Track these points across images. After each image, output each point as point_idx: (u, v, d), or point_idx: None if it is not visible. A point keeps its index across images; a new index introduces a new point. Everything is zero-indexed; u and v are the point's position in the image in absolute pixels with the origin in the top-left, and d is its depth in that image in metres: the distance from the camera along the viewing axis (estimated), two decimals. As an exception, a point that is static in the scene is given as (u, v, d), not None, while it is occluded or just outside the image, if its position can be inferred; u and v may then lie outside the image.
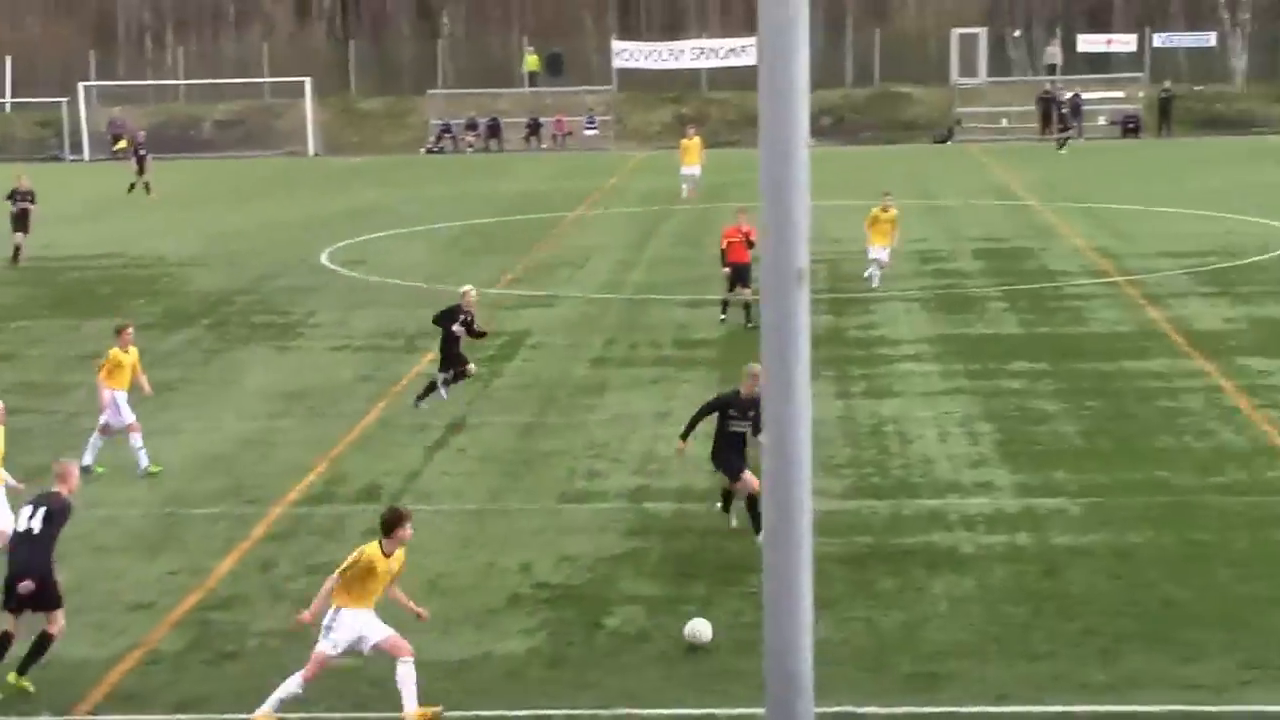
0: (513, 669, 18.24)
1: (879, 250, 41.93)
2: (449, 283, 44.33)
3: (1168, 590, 20.17)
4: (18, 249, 49.43)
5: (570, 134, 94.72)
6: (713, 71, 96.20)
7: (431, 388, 30.08)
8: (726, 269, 37.68)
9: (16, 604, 17.81)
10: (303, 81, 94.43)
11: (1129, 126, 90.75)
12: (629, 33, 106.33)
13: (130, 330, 27.19)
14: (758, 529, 21.13)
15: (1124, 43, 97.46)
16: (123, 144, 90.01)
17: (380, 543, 17.19)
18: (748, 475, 22.00)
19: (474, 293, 31.22)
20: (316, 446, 27.74)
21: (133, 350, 26.87)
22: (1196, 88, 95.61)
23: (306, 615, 17.31)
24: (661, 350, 35.05)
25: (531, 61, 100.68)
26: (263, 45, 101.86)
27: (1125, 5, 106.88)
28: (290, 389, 32.09)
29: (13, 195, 50.10)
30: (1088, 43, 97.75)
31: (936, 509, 23.68)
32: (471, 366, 30.38)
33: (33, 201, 49.95)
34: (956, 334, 36.18)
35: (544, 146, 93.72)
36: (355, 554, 17.22)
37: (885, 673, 17.97)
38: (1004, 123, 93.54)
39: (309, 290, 43.90)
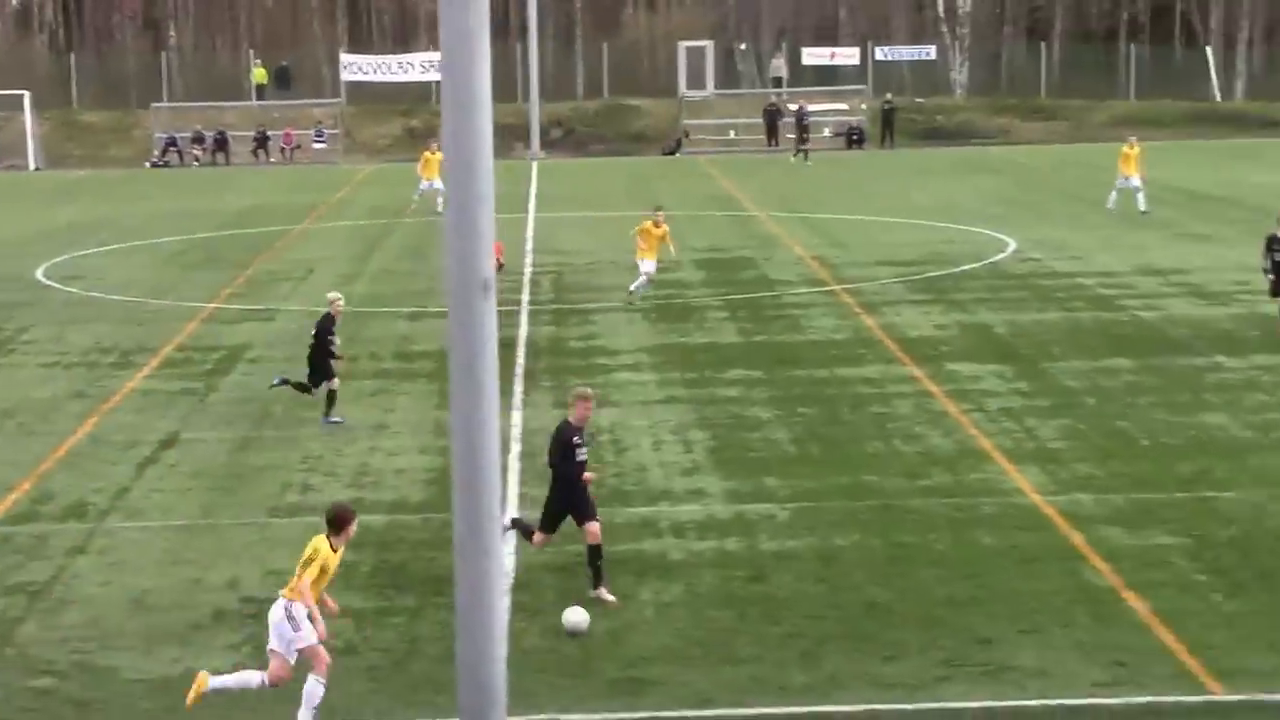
0: (214, 686, 17.98)
1: (648, 264, 41.63)
2: (169, 298, 43.75)
3: (871, 592, 20.51)
4: None
5: (299, 147, 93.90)
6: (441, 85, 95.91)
7: (331, 399, 29.54)
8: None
9: None
10: (22, 94, 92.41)
11: (853, 138, 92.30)
12: (358, 45, 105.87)
13: None
14: (597, 582, 20.46)
15: (848, 56, 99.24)
16: None
17: (329, 539, 17.02)
18: (594, 525, 20.47)
19: (341, 301, 30.79)
20: (23, 465, 27.15)
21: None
22: (918, 100, 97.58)
23: (332, 604, 17.64)
24: (382, 363, 34.88)
25: (259, 74, 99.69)
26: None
27: (850, 20, 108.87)
28: (-2, 407, 31.40)
29: None
30: (813, 56, 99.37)
31: (648, 516, 23.85)
32: (336, 381, 29.88)
33: None
34: (675, 343, 36.49)
35: (272, 160, 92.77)
36: (310, 549, 17.03)
37: (590, 679, 18.04)
38: (731, 134, 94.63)
39: (22, 306, 42.96)
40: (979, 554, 21.91)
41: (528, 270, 47.69)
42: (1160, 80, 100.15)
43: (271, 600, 20.46)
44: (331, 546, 17.16)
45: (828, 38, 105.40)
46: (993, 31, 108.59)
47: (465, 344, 13.53)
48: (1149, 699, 17.21)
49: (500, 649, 14.17)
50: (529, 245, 52.91)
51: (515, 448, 27.71)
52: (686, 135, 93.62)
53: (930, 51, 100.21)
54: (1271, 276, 35.67)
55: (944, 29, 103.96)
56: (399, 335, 38.07)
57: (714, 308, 40.90)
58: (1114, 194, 56.99)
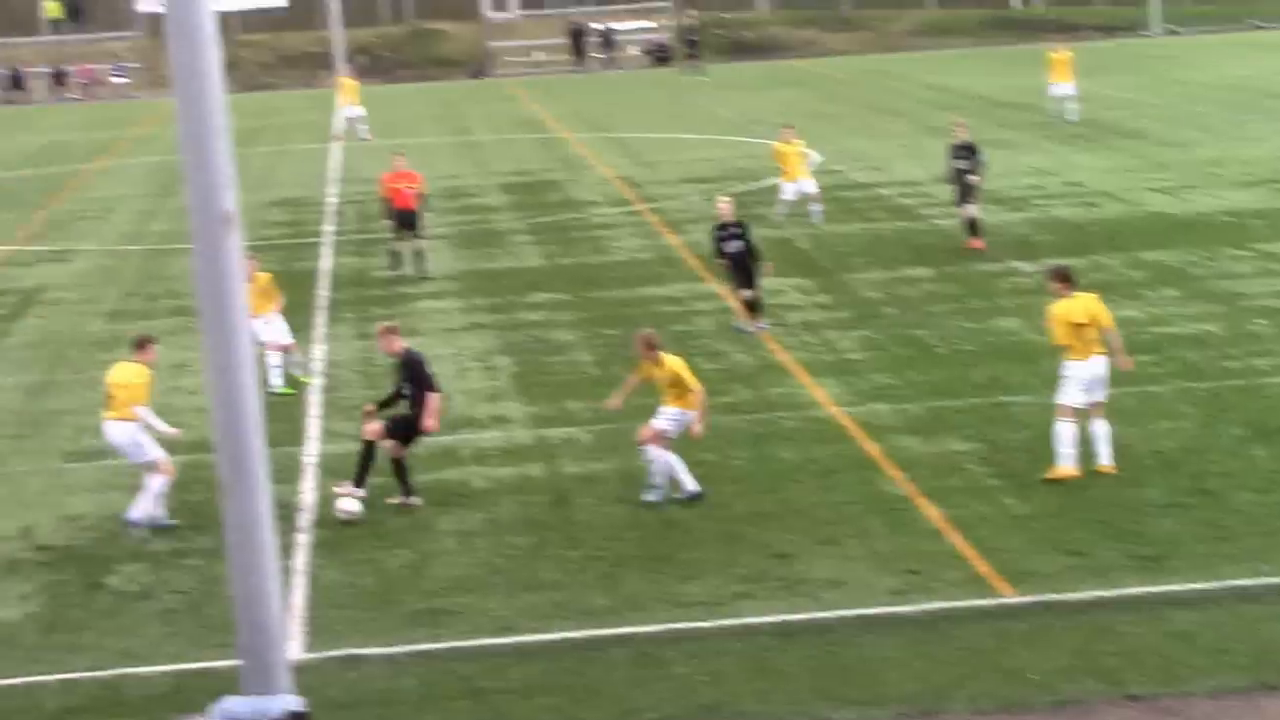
0: (4, 636, 17.76)
1: (792, 185, 39.03)
2: (-40, 241, 42.88)
3: (671, 511, 20.59)
4: None
5: (99, 83, 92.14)
6: (245, 15, 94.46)
7: None
8: (388, 220, 35.75)
9: None
10: None
11: (659, 56, 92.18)
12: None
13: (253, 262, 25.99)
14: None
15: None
16: None
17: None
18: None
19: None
20: None
21: (259, 276, 26.58)
22: (724, 15, 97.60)
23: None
24: (180, 300, 34.35)
25: (52, 9, 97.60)
26: None
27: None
28: None
29: None
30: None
31: (449, 445, 23.74)
32: None
33: None
34: (479, 269, 36.35)
35: (72, 96, 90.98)
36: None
37: (389, 611, 18.00)
38: (538, 56, 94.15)
39: None
40: (778, 468, 22.08)
41: (333, 201, 47.24)
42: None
43: (68, 547, 20.25)
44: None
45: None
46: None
47: (210, 281, 13.29)
48: (942, 605, 17.45)
49: (273, 586, 14.09)
50: (334, 175, 52.40)
51: (317, 381, 27.50)
52: (492, 58, 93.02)
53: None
54: (954, 185, 35.71)
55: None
56: (199, 271, 37.51)
57: (519, 232, 40.77)
58: (1051, 103, 56.45)
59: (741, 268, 29.32)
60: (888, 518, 20.04)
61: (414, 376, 21.25)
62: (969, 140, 36.03)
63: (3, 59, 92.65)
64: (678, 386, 20.95)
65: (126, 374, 20.88)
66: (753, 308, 29.32)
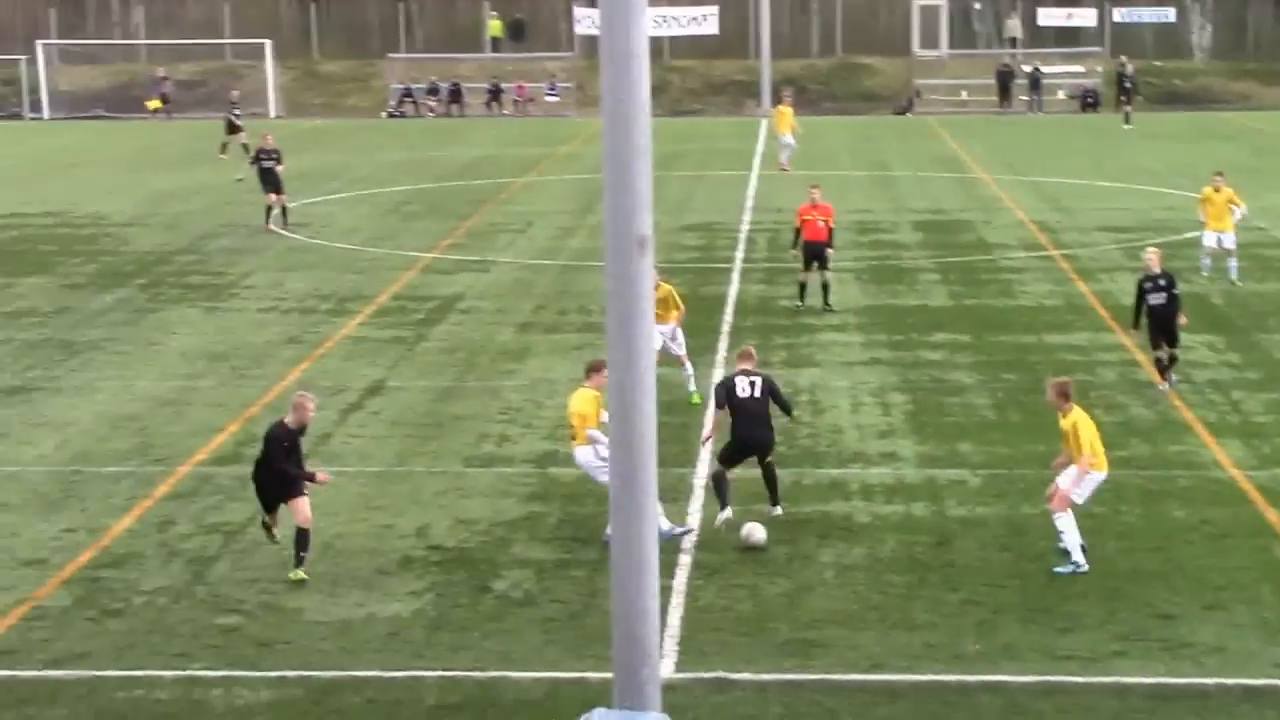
0: (394, 630, 18.37)
1: (1215, 235, 37.92)
2: (387, 246, 44.48)
3: (1054, 562, 20.31)
4: (269, 210, 47.48)
5: (532, 100, 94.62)
6: (675, 40, 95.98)
7: None
8: (795, 250, 35.95)
9: None
10: (263, 43, 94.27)
11: (1088, 101, 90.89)
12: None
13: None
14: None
15: (1085, 17, 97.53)
16: (156, 103, 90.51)
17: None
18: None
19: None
20: (232, 407, 27.83)
21: (663, 286, 27.52)
22: (1156, 63, 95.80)
23: None
24: (590, 317, 35.12)
25: (495, 27, 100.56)
26: (224, 6, 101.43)
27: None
28: (214, 350, 32.14)
29: (258, 156, 48.48)
30: (1049, 16, 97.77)
31: (838, 478, 23.83)
32: None
33: (279, 161, 47.62)
34: (884, 305, 36.33)
35: (505, 112, 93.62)
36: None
37: (762, 639, 18.12)
38: (963, 95, 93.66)
39: (247, 252, 43.92)
40: (1168, 527, 21.62)
41: (745, 228, 47.72)
42: None
43: (460, 549, 20.89)
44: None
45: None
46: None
47: (620, 301, 13.69)
48: (1328, 682, 16.91)
49: (653, 604, 14.36)
50: (749, 203, 52.92)
51: (711, 404, 27.76)
52: (918, 94, 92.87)
53: (1170, 13, 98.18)
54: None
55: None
56: (610, 290, 38.25)
57: (927, 270, 40.62)
58: None
59: (1163, 322, 28.43)
60: (1280, 587, 19.49)
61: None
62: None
63: (446, 74, 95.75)
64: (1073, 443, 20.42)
65: (580, 403, 21.39)
66: (1168, 365, 28.42)
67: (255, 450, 25.22)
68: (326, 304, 36.75)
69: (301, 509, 19.93)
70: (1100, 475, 20.32)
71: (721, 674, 17.15)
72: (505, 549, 21.02)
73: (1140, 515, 22.06)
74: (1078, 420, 20.33)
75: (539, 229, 47.94)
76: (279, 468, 19.94)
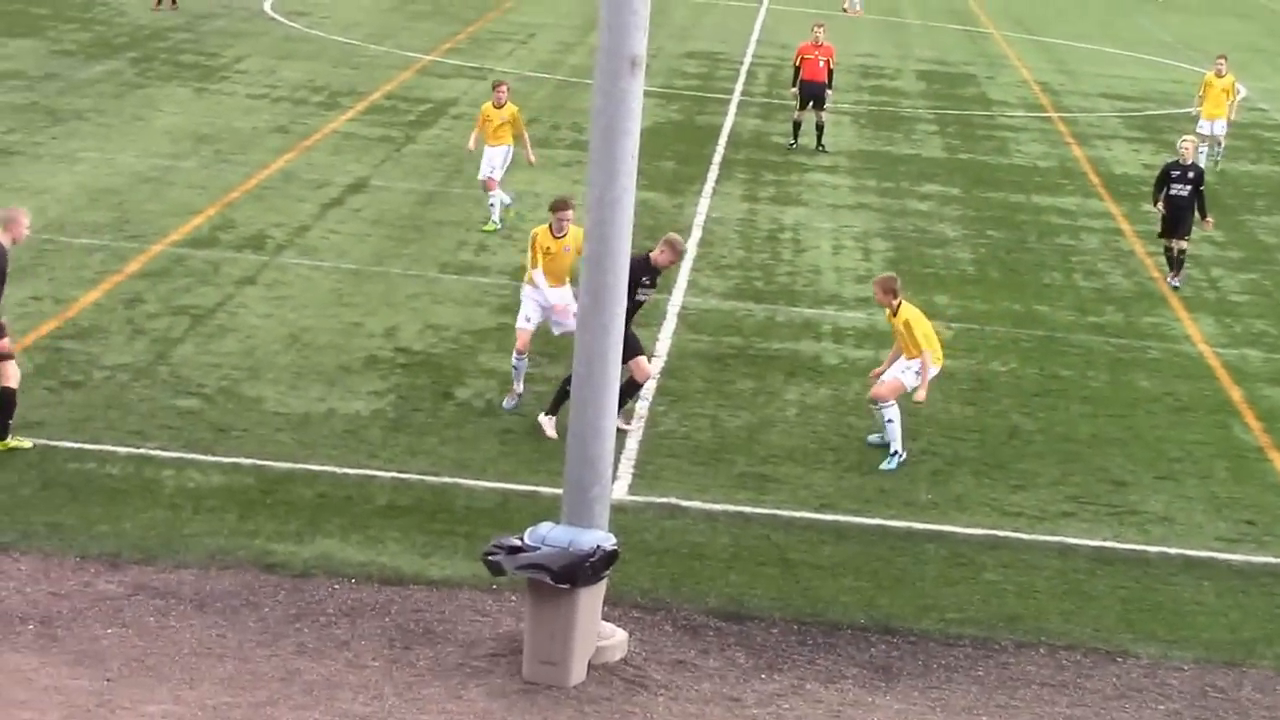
0: (352, 428, 18.37)
1: (1208, 124, 36.67)
2: (386, 44, 44.05)
3: (1015, 420, 20.39)
4: None
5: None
6: None
7: None
8: (794, 89, 35.48)
9: None
10: None
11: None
12: None
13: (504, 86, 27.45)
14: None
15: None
16: None
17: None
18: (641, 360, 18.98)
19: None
20: (212, 191, 27.67)
21: (509, 107, 27.11)
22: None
23: None
24: (581, 135, 34.89)
25: None
26: None
27: None
28: (200, 131, 31.91)
29: None
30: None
31: (811, 318, 23.82)
32: None
33: None
34: (878, 151, 36.15)
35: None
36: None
37: (717, 470, 18.17)
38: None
39: (244, 36, 43.48)
40: (1133, 396, 21.67)
41: (748, 60, 47.36)
42: None
43: (427, 354, 20.85)
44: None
45: None
46: None
47: (607, 118, 13.57)
48: (1271, 559, 17.03)
49: (609, 423, 14.36)
50: (754, 36, 52.46)
51: (695, 234, 27.73)
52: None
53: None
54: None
55: None
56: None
57: (925, 120, 40.38)
58: None
59: (1179, 213, 26.79)
60: (1235, 464, 19.55)
61: None
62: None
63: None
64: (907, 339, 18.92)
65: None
66: (1178, 258, 26.99)
67: (233, 235, 25.27)
68: (318, 96, 36.46)
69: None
70: (938, 369, 19.03)
71: (673, 500, 17.21)
72: (472, 358, 21.02)
73: (1107, 382, 22.10)
74: (909, 317, 18.85)
75: (540, 41, 47.53)
76: None
